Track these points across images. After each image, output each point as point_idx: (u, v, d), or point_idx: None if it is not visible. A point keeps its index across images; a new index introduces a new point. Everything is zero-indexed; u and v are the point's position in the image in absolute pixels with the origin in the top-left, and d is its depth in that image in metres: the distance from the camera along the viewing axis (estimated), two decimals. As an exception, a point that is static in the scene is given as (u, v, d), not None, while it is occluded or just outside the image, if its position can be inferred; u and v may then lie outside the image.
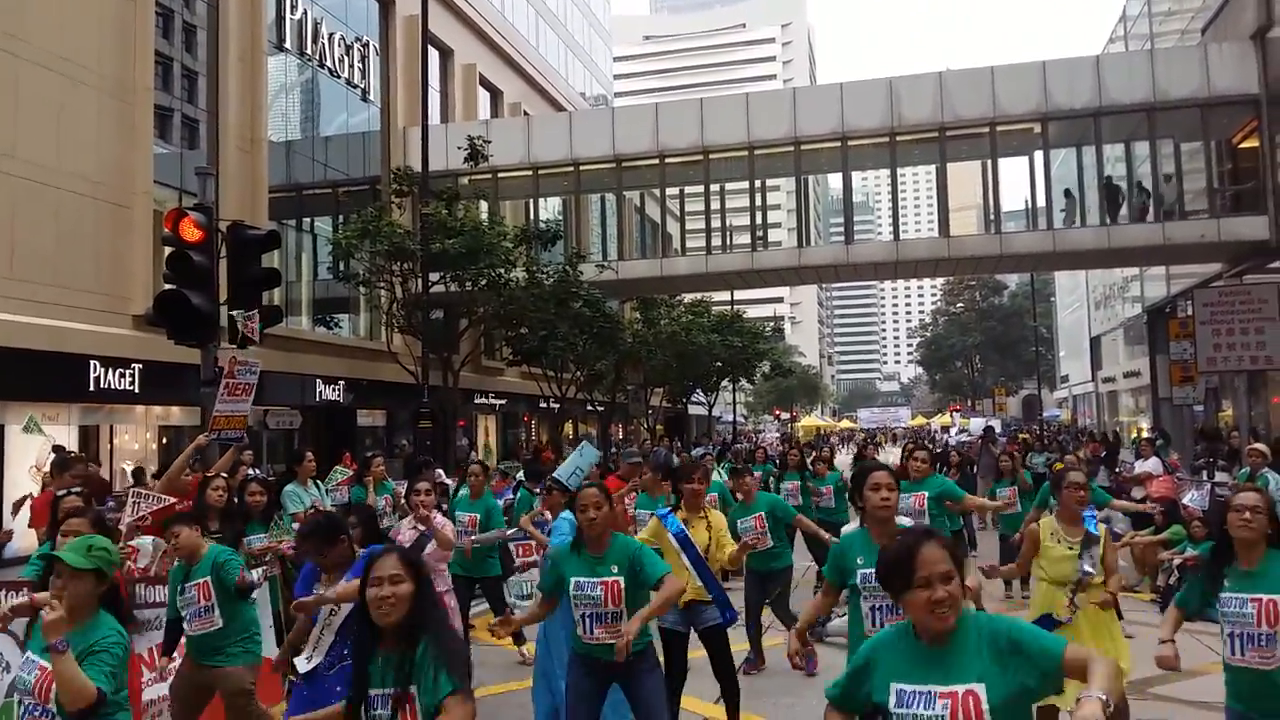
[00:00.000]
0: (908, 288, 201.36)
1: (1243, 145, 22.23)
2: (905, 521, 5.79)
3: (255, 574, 5.69)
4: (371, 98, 25.60)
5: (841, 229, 25.67)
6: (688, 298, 34.54)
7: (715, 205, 25.16)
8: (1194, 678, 7.68)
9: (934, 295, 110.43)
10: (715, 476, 12.08)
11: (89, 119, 16.17)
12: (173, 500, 6.64)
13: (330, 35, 23.70)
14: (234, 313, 8.67)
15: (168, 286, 8.74)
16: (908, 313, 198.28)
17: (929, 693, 2.69)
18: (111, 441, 16.82)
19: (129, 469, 16.57)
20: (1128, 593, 10.99)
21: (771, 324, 49.85)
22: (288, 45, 22.20)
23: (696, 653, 6.48)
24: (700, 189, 25.45)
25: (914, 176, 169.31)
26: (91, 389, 15.32)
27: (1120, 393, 39.75)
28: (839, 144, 23.82)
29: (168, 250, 8.75)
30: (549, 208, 29.36)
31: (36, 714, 3.50)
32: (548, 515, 8.07)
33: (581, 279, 21.75)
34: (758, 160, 24.53)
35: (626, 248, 27.91)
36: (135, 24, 17.27)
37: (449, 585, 7.15)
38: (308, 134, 23.72)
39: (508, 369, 29.86)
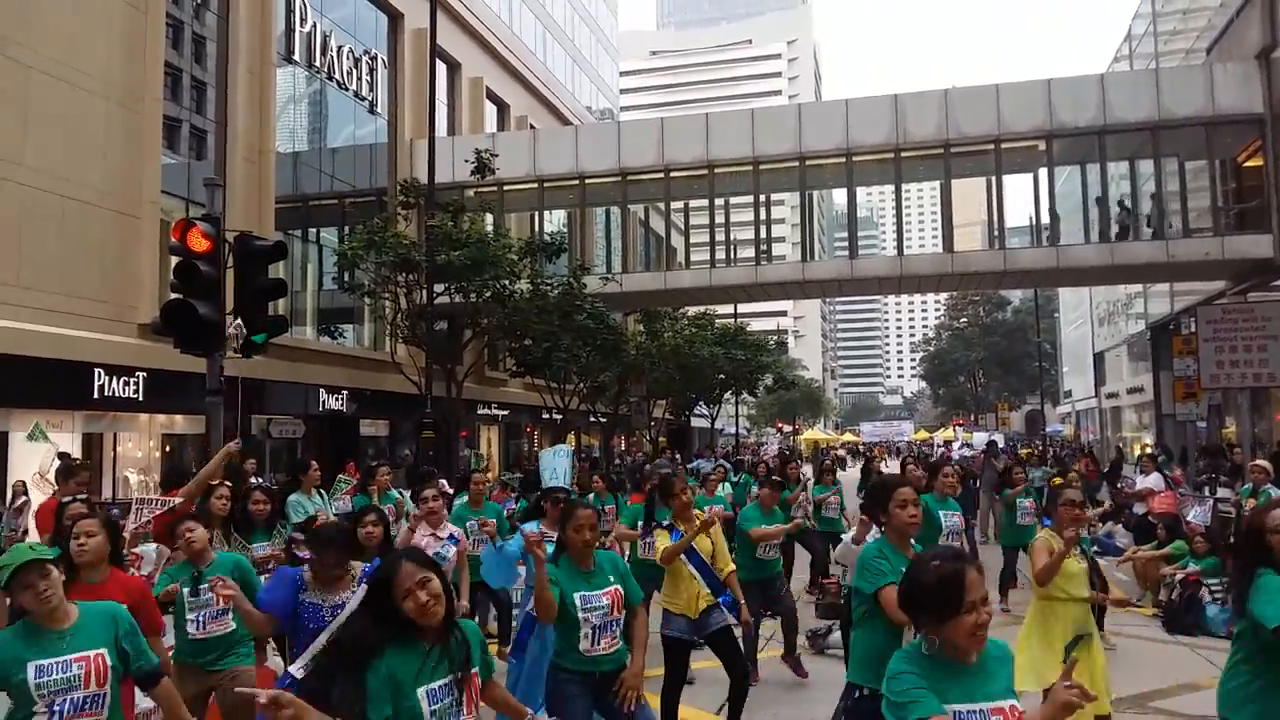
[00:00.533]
0: (911, 302, 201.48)
1: (1247, 164, 22.28)
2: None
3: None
4: (379, 110, 25.74)
5: (845, 243, 25.72)
6: (691, 311, 34.60)
7: (719, 219, 25.22)
8: (1195, 691, 7.70)
9: (937, 310, 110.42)
10: (719, 490, 12.16)
11: (98, 128, 16.28)
12: (175, 503, 6.64)
13: (339, 48, 23.86)
14: (236, 325, 8.67)
15: (174, 296, 8.78)
16: (911, 327, 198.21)
17: (981, 710, 2.74)
18: (115, 449, 16.87)
19: (133, 477, 16.63)
20: (1130, 607, 10.99)
21: (775, 337, 49.89)
22: (296, 57, 22.34)
23: (708, 663, 6.46)
24: (705, 203, 25.51)
25: (918, 191, 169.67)
26: (96, 397, 15.37)
27: (1124, 408, 39.71)
28: (844, 159, 23.88)
29: (174, 259, 8.79)
30: (554, 220, 29.47)
31: (85, 706, 3.56)
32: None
33: (585, 291, 21.80)
34: (762, 175, 24.61)
35: (631, 260, 27.96)
36: (145, 35, 17.40)
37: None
38: (315, 145, 23.84)
39: (511, 380, 29.89)
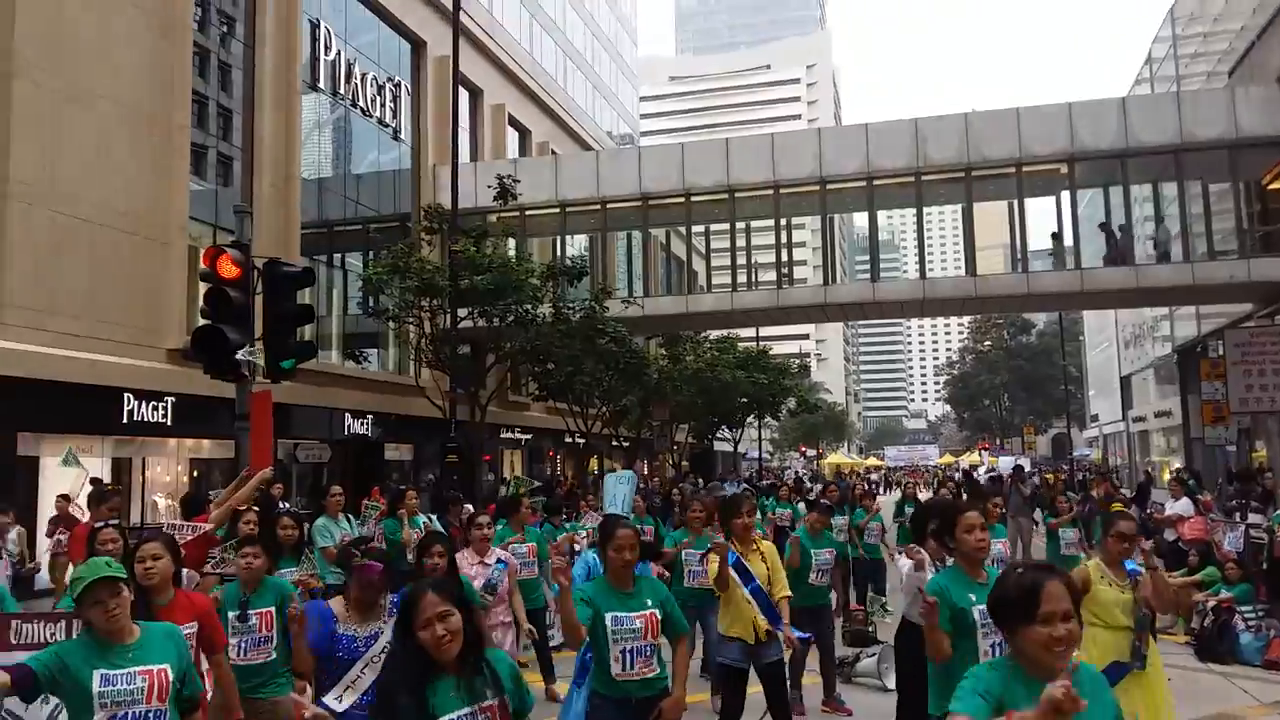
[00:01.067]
0: (934, 325, 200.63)
1: (1272, 186, 22.12)
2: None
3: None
4: (402, 136, 26.01)
5: (867, 267, 25.67)
6: (713, 334, 34.57)
7: (741, 243, 25.25)
8: (1230, 723, 7.57)
9: (961, 333, 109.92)
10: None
11: (126, 155, 16.50)
12: (207, 529, 6.67)
13: (363, 75, 24.15)
14: (246, 350, 8.61)
15: (204, 322, 8.87)
16: (934, 350, 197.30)
17: None
18: (144, 474, 17.01)
19: (161, 501, 16.73)
20: (1162, 635, 10.83)
21: (797, 361, 49.72)
22: (321, 85, 22.63)
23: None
24: (726, 227, 25.56)
25: (939, 214, 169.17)
26: (125, 421, 15.51)
27: (1151, 432, 39.29)
28: (865, 183, 23.87)
29: (203, 285, 8.88)
30: (576, 245, 29.60)
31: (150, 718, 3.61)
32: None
33: (608, 315, 21.86)
34: (783, 199, 24.64)
35: (652, 284, 28.01)
36: (173, 63, 17.67)
37: (509, 616, 7.17)
38: (339, 171, 24.10)
39: (534, 404, 29.95)
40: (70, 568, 8.39)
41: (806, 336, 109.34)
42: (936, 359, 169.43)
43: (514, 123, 32.34)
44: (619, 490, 8.28)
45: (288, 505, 14.19)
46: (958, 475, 42.00)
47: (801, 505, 13.78)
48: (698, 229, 28.60)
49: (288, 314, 9.31)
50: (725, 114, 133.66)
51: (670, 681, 4.71)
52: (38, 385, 13.84)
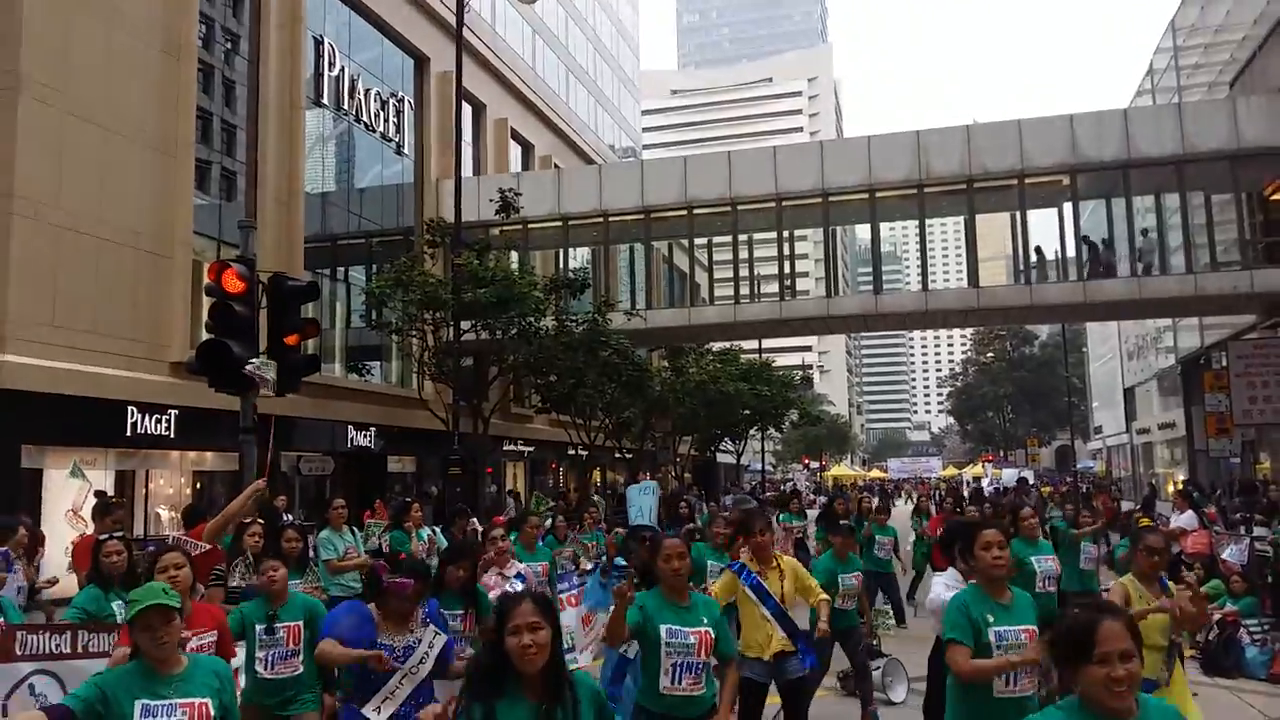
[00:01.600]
0: (937, 337, 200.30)
1: (1274, 197, 22.13)
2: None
3: None
4: (405, 151, 26.10)
5: (870, 279, 25.70)
6: (716, 346, 34.57)
7: (743, 255, 25.28)
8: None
9: (964, 344, 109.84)
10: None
11: (131, 171, 16.58)
12: (211, 547, 6.66)
13: (366, 91, 24.26)
14: (250, 363, 8.58)
15: (208, 336, 8.89)
16: (937, 362, 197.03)
17: None
18: (147, 486, 17.02)
19: (164, 514, 16.74)
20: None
21: (800, 373, 49.70)
22: (325, 101, 22.73)
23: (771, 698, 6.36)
24: (728, 239, 25.60)
25: (942, 226, 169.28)
26: (128, 434, 15.55)
27: (1155, 444, 39.22)
28: (867, 195, 23.91)
29: (207, 299, 8.90)
30: (578, 258, 29.64)
31: None
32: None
33: (610, 327, 21.88)
34: (785, 211, 24.69)
35: (655, 297, 28.03)
36: (178, 80, 17.77)
37: None
38: (343, 186, 24.18)
39: (536, 416, 29.94)
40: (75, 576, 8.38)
41: (810, 348, 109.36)
42: (939, 371, 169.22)
43: (516, 137, 32.44)
44: (644, 501, 8.18)
45: (291, 517, 14.21)
46: (962, 488, 41.90)
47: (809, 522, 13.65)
48: (700, 241, 28.64)
49: (292, 328, 9.32)
50: (727, 127, 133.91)
51: (717, 701, 4.66)
52: (42, 398, 13.88)
